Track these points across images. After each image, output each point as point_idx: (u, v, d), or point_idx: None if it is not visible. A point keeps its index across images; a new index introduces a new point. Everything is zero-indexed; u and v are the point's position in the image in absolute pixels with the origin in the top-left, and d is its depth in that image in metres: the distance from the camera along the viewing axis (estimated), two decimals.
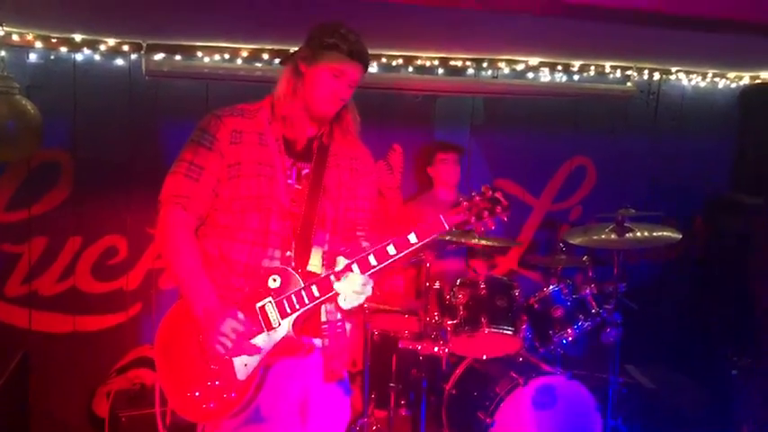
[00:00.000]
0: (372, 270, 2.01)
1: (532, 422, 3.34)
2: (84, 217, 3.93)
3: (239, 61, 3.97)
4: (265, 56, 3.97)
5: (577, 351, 3.80)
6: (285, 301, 2.06)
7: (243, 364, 2.06)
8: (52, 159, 3.84)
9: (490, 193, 2.00)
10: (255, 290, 2.08)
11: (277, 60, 3.98)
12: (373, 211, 2.34)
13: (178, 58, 3.88)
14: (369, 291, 2.04)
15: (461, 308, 3.37)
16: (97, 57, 3.82)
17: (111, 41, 3.76)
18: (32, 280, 3.87)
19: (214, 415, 2.08)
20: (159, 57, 3.83)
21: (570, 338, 3.46)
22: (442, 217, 1.99)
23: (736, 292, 4.68)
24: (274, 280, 2.07)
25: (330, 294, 2.04)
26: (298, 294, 2.05)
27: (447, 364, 3.63)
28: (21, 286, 3.85)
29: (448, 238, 3.49)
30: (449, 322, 3.37)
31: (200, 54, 3.90)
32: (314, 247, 2.17)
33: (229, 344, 2.02)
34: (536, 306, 3.51)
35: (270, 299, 2.07)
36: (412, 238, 1.99)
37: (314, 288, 2.05)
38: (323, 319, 2.19)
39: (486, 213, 1.99)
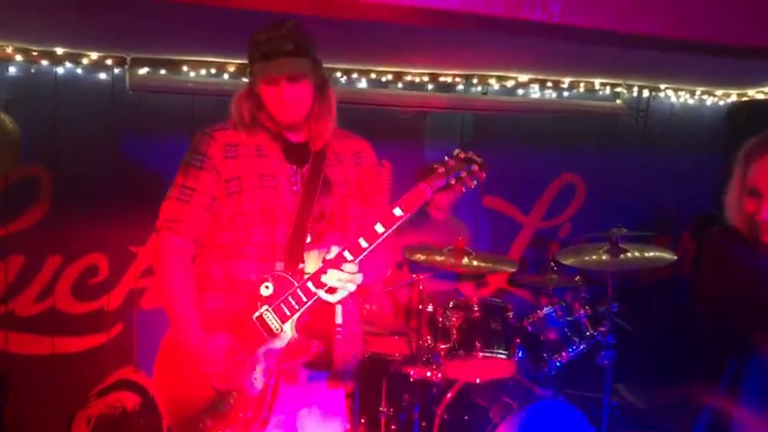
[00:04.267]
0: (365, 252, 1.93)
1: None
2: (63, 235, 3.81)
3: (226, 76, 3.90)
4: None
5: None
6: (283, 305, 1.98)
7: (253, 379, 1.98)
8: (31, 175, 3.71)
9: (462, 154, 2.00)
10: (249, 301, 2.01)
11: None
12: (385, 205, 2.24)
13: (163, 72, 3.79)
14: (359, 279, 1.95)
15: (455, 331, 3.30)
16: (79, 70, 3.71)
17: (94, 55, 3.66)
18: (9, 300, 3.73)
19: None
20: (144, 71, 3.74)
21: (564, 361, 3.41)
22: (423, 185, 1.95)
23: None
24: (267, 287, 1.99)
25: (327, 287, 1.95)
26: (294, 295, 1.97)
27: (437, 387, 3.56)
28: None
29: (441, 258, 3.44)
30: (442, 346, 3.30)
31: (185, 69, 3.82)
32: (321, 251, 2.08)
33: (226, 380, 1.95)
34: (530, 328, 3.45)
35: (266, 307, 1.98)
36: (397, 211, 1.93)
37: (309, 284, 1.96)
38: (338, 321, 2.10)
39: (463, 173, 1.98)
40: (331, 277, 1.92)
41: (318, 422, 2.21)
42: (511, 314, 3.40)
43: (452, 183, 1.97)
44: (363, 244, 1.93)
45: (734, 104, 5.14)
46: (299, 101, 2.03)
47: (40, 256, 3.78)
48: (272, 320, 1.98)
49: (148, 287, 4.00)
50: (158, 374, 2.13)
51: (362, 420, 3.60)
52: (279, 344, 1.98)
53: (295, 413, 2.17)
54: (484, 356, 3.25)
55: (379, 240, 1.93)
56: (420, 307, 3.38)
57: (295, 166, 2.12)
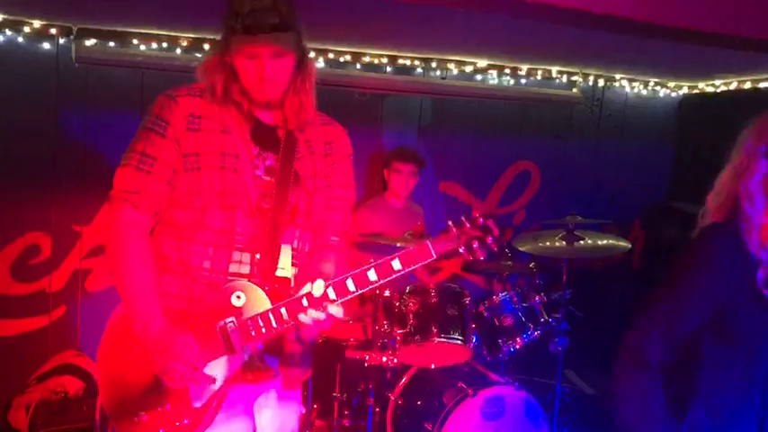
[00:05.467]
0: (349, 296, 1.81)
1: None
2: (2, 213, 3.63)
3: (178, 51, 3.76)
4: (206, 46, 3.76)
5: None
6: (250, 323, 1.85)
7: (200, 390, 1.87)
8: None
9: (481, 220, 1.80)
10: (217, 306, 1.87)
11: None
12: (350, 202, 2.16)
13: (112, 44, 3.63)
14: (337, 312, 1.83)
15: (411, 316, 3.27)
16: (21, 39, 3.53)
17: (37, 23, 3.48)
18: None
19: None
20: (91, 42, 3.58)
21: (519, 347, 3.41)
22: (429, 244, 1.80)
23: None
24: (238, 297, 1.86)
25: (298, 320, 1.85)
26: (264, 317, 1.84)
27: (392, 372, 3.53)
28: None
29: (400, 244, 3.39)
30: (398, 331, 3.26)
31: (135, 41, 3.66)
32: (282, 245, 1.97)
33: (180, 377, 1.83)
34: (485, 314, 3.44)
35: (233, 319, 1.85)
36: (396, 264, 1.80)
37: (283, 311, 1.83)
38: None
39: (476, 243, 1.79)
40: (310, 317, 1.82)
41: (275, 407, 2.14)
42: (467, 300, 3.38)
43: (461, 251, 1.80)
44: (351, 287, 1.80)
45: (685, 96, 5.23)
46: (278, 76, 1.89)
47: None
48: (234, 336, 1.86)
49: (93, 268, 3.86)
50: (103, 353, 2.00)
51: (315, 406, 3.55)
52: (236, 362, 1.88)
53: (252, 398, 2.09)
54: (440, 342, 3.21)
55: (367, 288, 1.81)
56: (377, 292, 3.34)
57: (259, 149, 1.98)
